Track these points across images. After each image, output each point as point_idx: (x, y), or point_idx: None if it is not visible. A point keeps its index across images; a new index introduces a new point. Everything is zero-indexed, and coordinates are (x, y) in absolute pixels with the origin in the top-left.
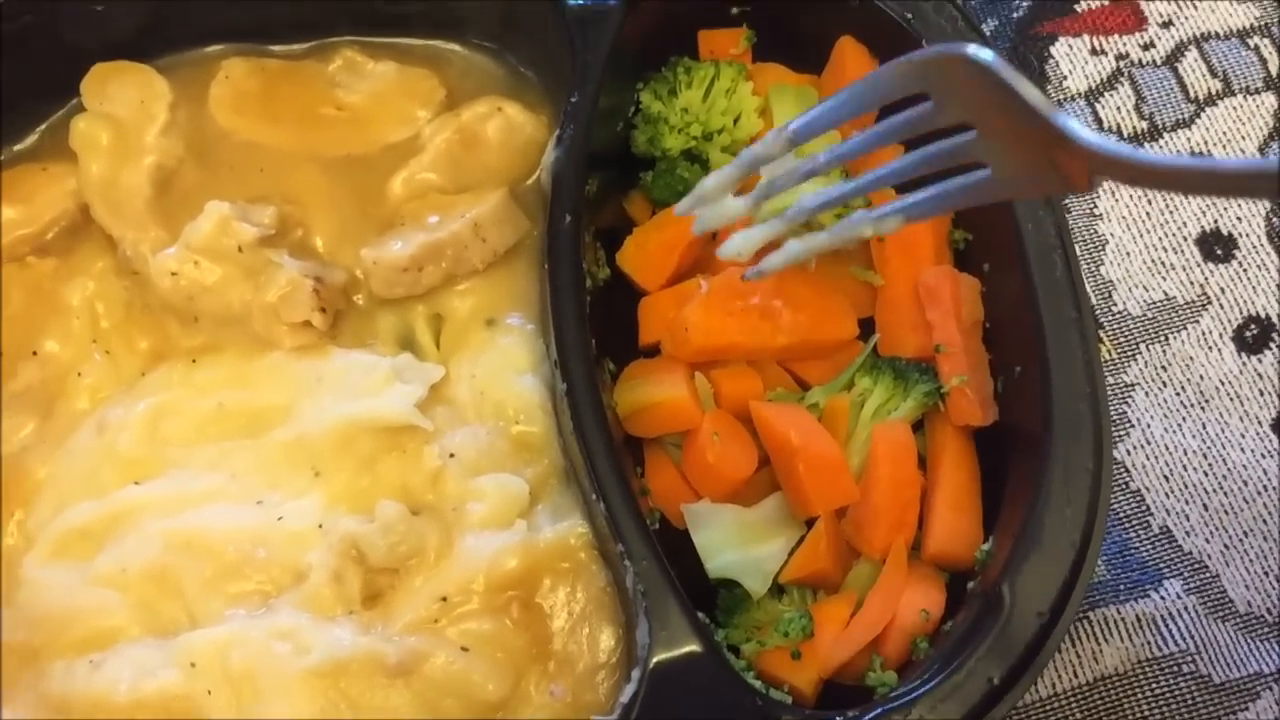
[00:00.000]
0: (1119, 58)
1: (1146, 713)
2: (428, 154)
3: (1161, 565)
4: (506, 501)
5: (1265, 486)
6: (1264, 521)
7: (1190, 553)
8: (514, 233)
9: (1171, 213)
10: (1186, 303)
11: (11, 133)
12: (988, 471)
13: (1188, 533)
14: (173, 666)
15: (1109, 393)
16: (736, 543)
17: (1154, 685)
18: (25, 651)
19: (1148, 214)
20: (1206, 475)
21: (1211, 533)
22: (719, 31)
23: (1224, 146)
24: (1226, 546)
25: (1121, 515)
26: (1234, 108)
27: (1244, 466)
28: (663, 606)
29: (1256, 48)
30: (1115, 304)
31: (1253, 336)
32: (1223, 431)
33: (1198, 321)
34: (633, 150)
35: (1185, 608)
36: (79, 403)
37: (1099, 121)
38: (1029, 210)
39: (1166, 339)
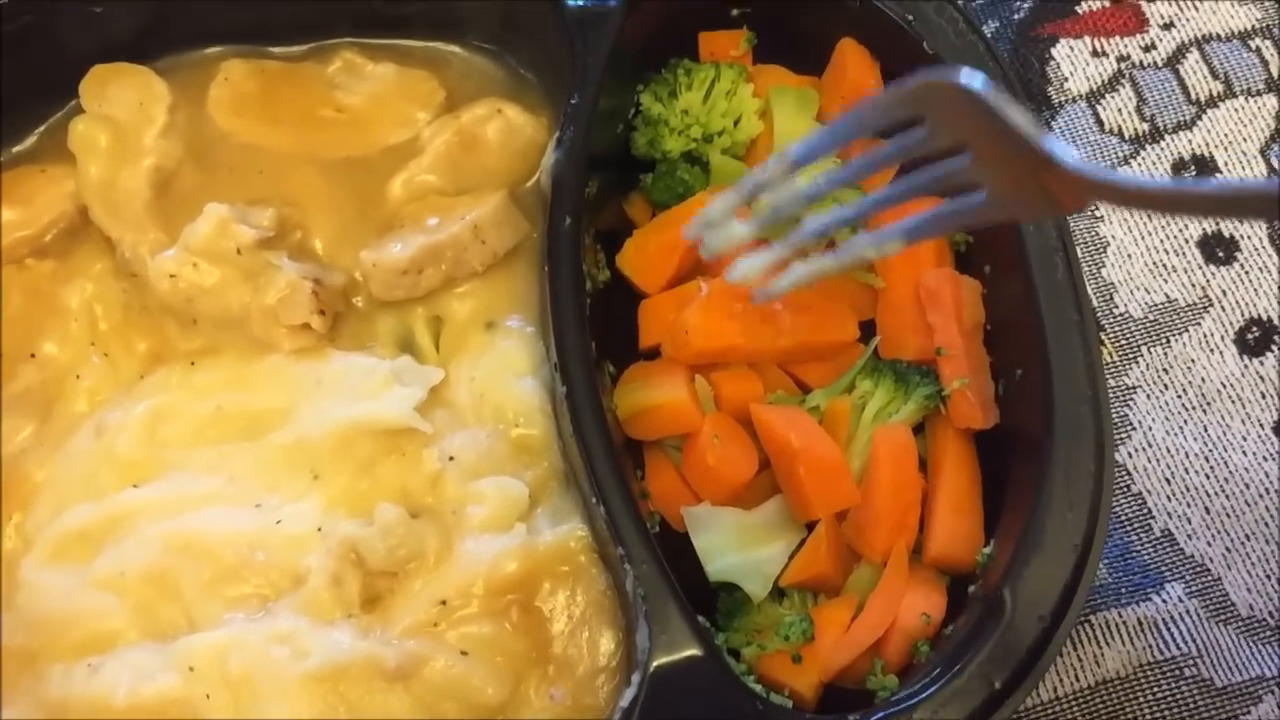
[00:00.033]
0: (1120, 59)
1: (1148, 716)
2: (427, 156)
3: (1163, 568)
4: (506, 505)
5: (1267, 489)
6: (1266, 524)
7: (1192, 556)
8: (514, 235)
9: (1173, 215)
10: (1188, 305)
11: (10, 134)
12: (989, 474)
13: (1189, 536)
14: (171, 670)
15: (1110, 395)
16: (737, 546)
17: (1156, 689)
18: (24, 654)
19: (1149, 216)
20: (1208, 478)
21: (1213, 536)
22: (719, 33)
23: (1225, 148)
24: (1228, 549)
25: (1123, 518)
26: (1235, 109)
27: (1246, 469)
28: (663, 610)
29: (1258, 49)
30: (1116, 306)
31: (1254, 339)
32: (1224, 434)
33: (1199, 324)
34: (633, 152)
35: (1187, 611)
36: (77, 405)
37: (1100, 123)
38: None
39: (1168, 341)
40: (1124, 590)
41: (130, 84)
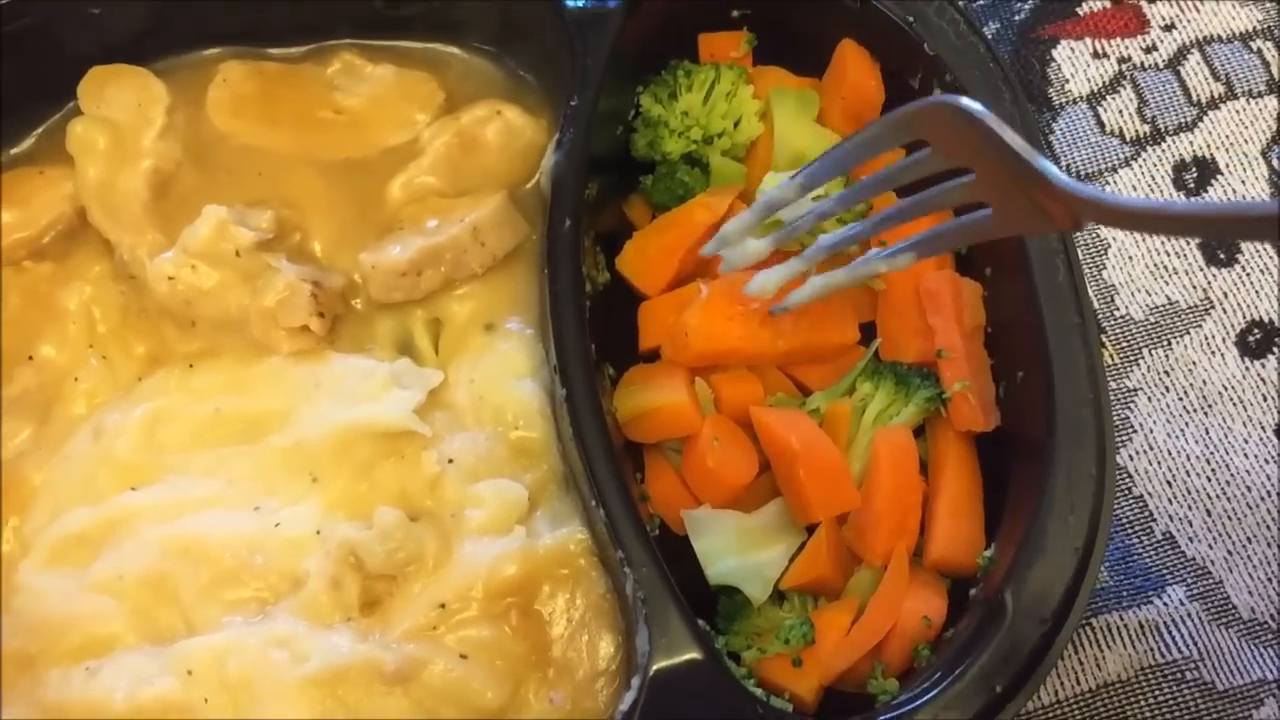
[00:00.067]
0: (1121, 61)
1: None
2: (426, 157)
3: (1164, 571)
4: (505, 507)
5: (1268, 492)
6: (1267, 527)
7: (1193, 559)
8: (513, 237)
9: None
10: (1189, 307)
11: (8, 136)
12: (990, 477)
13: (1191, 538)
14: (169, 674)
15: (1112, 398)
16: (737, 549)
17: (1157, 692)
18: (22, 658)
19: None
20: (1209, 481)
21: (1214, 538)
22: (719, 34)
23: (1226, 150)
24: (1230, 552)
25: (1124, 521)
26: (1236, 111)
27: (1247, 472)
28: (663, 613)
29: (1259, 51)
30: (1118, 308)
31: (1256, 341)
32: (1226, 437)
33: (1200, 326)
34: (632, 154)
35: (1188, 614)
36: (75, 408)
37: (1101, 125)
38: None
39: (1169, 344)
40: (1125, 593)
41: (129, 85)
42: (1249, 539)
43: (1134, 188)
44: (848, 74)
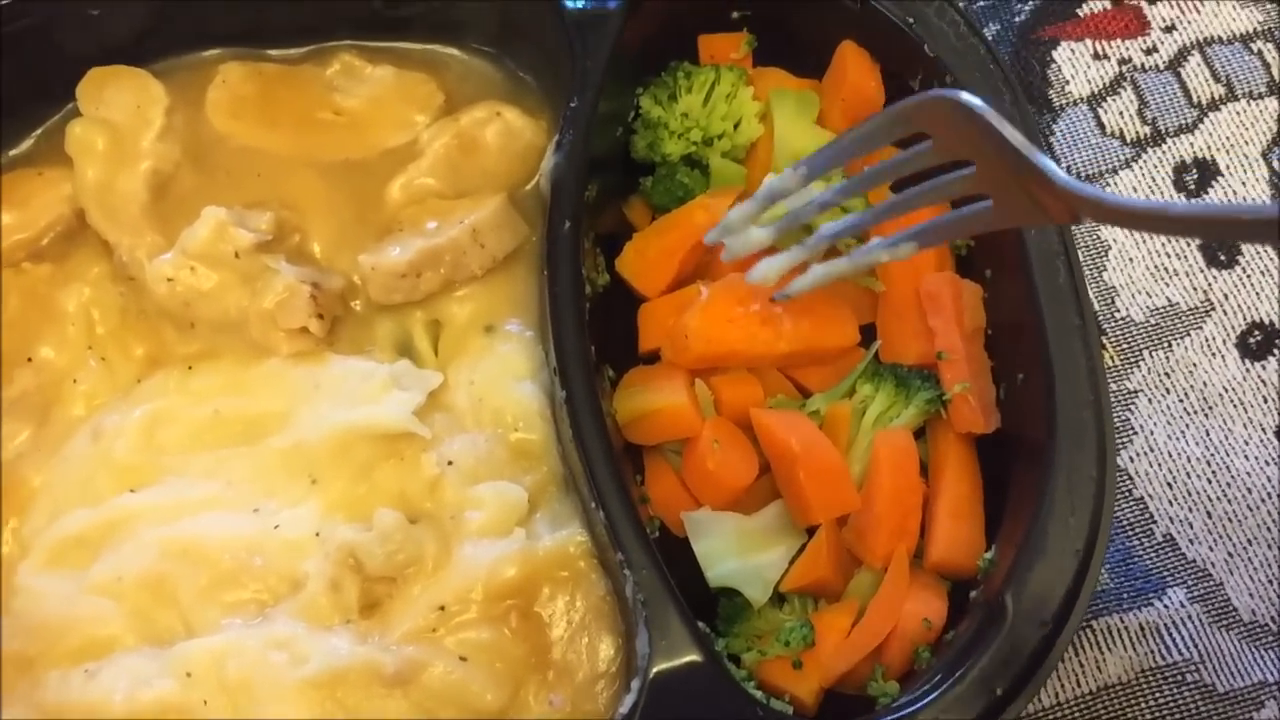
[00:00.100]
0: (1121, 62)
1: None
2: (426, 159)
3: (1165, 573)
4: (505, 509)
5: (1269, 494)
6: (1268, 529)
7: (1194, 561)
8: (513, 238)
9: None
10: (1190, 309)
11: (7, 137)
12: (990, 479)
13: (1191, 540)
14: (168, 676)
15: (1112, 400)
16: (737, 551)
17: (1157, 695)
18: (21, 660)
19: None
20: (1210, 483)
21: (1215, 540)
22: (719, 36)
23: (1227, 151)
24: (1230, 554)
25: (1124, 523)
26: (1237, 112)
27: (1247, 474)
28: (663, 615)
29: (1260, 52)
30: (1118, 310)
31: (1256, 343)
32: (1226, 439)
33: (1201, 328)
34: (632, 155)
35: (1189, 616)
36: (74, 409)
37: (1101, 126)
38: None
39: (1170, 345)
40: (1126, 595)
41: (127, 87)
42: (1250, 541)
43: (1134, 189)
44: (848, 75)
